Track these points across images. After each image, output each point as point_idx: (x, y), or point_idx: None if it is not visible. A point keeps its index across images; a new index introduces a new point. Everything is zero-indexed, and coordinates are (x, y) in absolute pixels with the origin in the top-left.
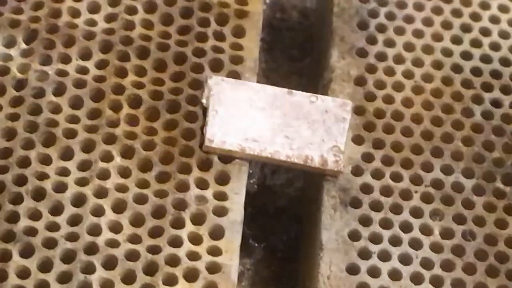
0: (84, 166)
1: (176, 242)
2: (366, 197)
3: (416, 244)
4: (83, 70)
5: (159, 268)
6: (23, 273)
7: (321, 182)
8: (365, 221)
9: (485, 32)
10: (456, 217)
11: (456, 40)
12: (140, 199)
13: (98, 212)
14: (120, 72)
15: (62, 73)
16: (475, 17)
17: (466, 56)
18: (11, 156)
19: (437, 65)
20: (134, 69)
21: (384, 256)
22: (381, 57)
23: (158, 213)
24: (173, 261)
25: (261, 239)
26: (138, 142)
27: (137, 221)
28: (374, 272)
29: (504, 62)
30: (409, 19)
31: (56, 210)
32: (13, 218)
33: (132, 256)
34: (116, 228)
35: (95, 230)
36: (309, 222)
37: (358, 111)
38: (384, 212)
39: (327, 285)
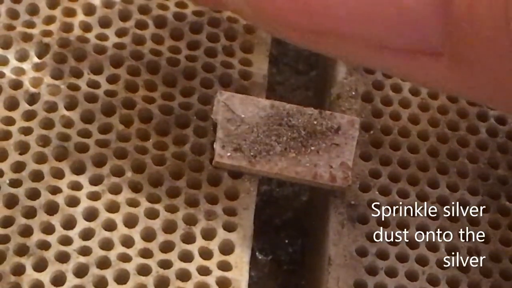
0: (96, 180)
1: (187, 257)
2: (373, 213)
3: (422, 261)
4: (95, 85)
5: (170, 282)
6: (36, 287)
7: (328, 198)
8: (372, 237)
9: None
10: (462, 233)
11: None
12: (151, 214)
13: (110, 226)
14: (131, 87)
15: (74, 87)
16: None
17: None
18: (24, 170)
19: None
20: (145, 84)
21: (391, 272)
22: None
23: (169, 228)
24: (184, 275)
25: (268, 252)
26: (149, 157)
27: (148, 235)
28: None
29: None
30: None
31: (69, 224)
32: (27, 232)
33: (144, 270)
34: (127, 242)
35: (107, 245)
36: (316, 237)
37: (366, 127)
38: (391, 229)
39: None
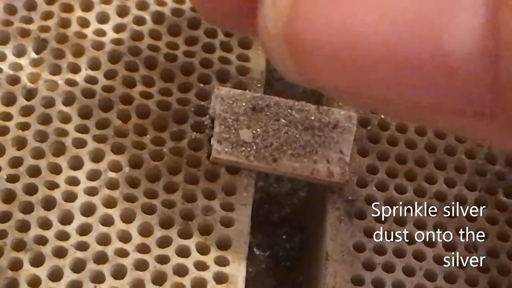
0: (93, 175)
1: (184, 252)
2: (371, 208)
3: (419, 256)
4: (92, 80)
5: (167, 278)
6: (34, 282)
7: (326, 194)
8: (370, 233)
9: None
10: (459, 229)
11: None
12: (149, 209)
13: (107, 221)
14: (129, 82)
15: (71, 83)
16: None
17: None
18: (22, 165)
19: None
20: (143, 79)
21: (388, 268)
22: None
23: (166, 223)
24: (181, 271)
25: (266, 248)
26: (146, 152)
27: (145, 231)
28: (378, 284)
29: None
30: None
31: (66, 219)
32: (24, 227)
33: (141, 265)
34: (125, 237)
35: (104, 240)
36: (313, 233)
37: (363, 123)
38: (389, 224)
39: None
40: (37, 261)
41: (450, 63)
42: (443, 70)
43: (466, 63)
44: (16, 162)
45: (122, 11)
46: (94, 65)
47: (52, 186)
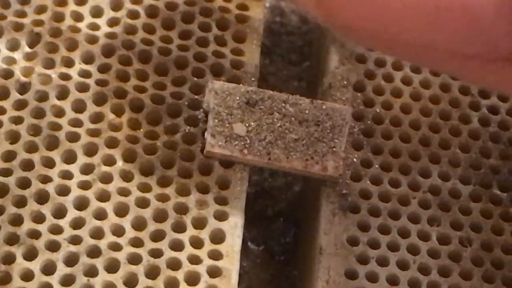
0: (87, 169)
1: (177, 246)
2: (365, 202)
3: (413, 250)
4: (86, 74)
5: (160, 271)
6: (27, 276)
7: (320, 187)
8: (364, 227)
9: None
10: (453, 223)
11: None
12: (142, 203)
13: (100, 215)
14: (123, 76)
15: (65, 77)
16: None
17: None
18: (15, 159)
19: (435, 72)
20: (136, 73)
21: (382, 261)
22: (380, 63)
23: (160, 217)
24: (174, 264)
25: (260, 242)
26: (140, 146)
27: (139, 224)
28: (372, 277)
29: None
30: None
31: (59, 213)
32: (17, 220)
33: (134, 259)
34: (118, 231)
35: (97, 234)
36: (308, 227)
37: (357, 116)
38: (383, 218)
39: None
40: (30, 255)
41: (474, 10)
42: (463, 14)
43: (488, 11)
44: (9, 156)
45: (116, 5)
46: (88, 59)
47: (45, 180)
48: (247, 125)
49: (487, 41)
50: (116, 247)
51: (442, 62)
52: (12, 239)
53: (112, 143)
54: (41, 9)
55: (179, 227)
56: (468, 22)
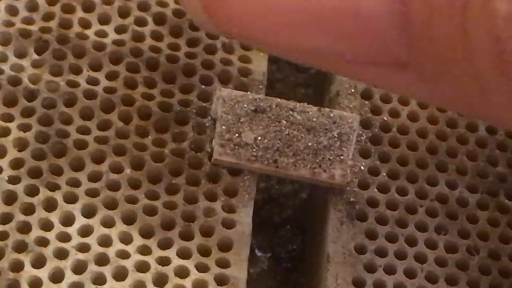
0: (94, 177)
1: (185, 254)
2: (372, 210)
3: (421, 258)
4: (94, 81)
5: (168, 279)
6: (35, 284)
7: (327, 195)
8: (371, 235)
9: None
10: (461, 231)
11: None
12: (150, 211)
13: (108, 223)
14: (130, 84)
15: (73, 84)
16: None
17: None
18: (23, 167)
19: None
20: (144, 80)
21: (390, 270)
22: None
23: (168, 225)
24: (182, 272)
25: (267, 250)
26: (147, 154)
27: (147, 232)
28: (379, 285)
29: None
30: None
31: (68, 221)
32: (25, 228)
33: (142, 267)
34: (126, 239)
35: (105, 241)
36: (315, 234)
37: (365, 124)
38: (390, 226)
39: None
40: (38, 263)
41: (362, 10)
42: (356, 17)
43: (378, 10)
44: (17, 164)
45: (124, 12)
46: (96, 66)
47: (54, 187)
48: (254, 133)
49: (381, 46)
50: (124, 255)
51: (337, 68)
52: (20, 247)
53: (120, 151)
54: (49, 16)
55: (187, 235)
56: (358, 26)
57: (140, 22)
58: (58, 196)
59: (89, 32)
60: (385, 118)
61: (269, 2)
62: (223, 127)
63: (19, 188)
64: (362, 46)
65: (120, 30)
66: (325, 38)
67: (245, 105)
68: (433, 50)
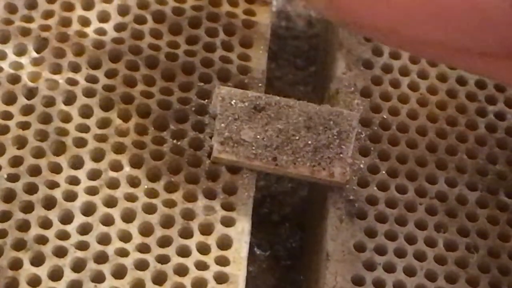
0: (94, 175)
1: (184, 252)
2: (372, 208)
3: (420, 256)
4: (93, 79)
5: (167, 277)
6: (34, 281)
7: (326, 193)
8: (371, 233)
9: None
10: (460, 229)
11: None
12: (149, 209)
13: (107, 221)
14: (130, 82)
15: (72, 82)
16: None
17: None
18: (22, 165)
19: (442, 78)
20: (143, 78)
21: (389, 268)
22: (387, 69)
23: (167, 222)
24: (181, 270)
25: (266, 247)
26: (147, 152)
27: (146, 230)
28: (379, 284)
29: None
30: None
31: (67, 218)
32: (24, 226)
33: (141, 265)
34: (125, 237)
35: (104, 239)
36: (314, 232)
37: (364, 122)
38: (390, 224)
39: None
40: (37, 261)
41: (486, 9)
42: (476, 12)
43: (500, 10)
44: (16, 161)
45: (123, 10)
46: (95, 64)
47: (53, 185)
48: (254, 130)
49: (500, 40)
50: (123, 253)
51: (454, 58)
52: (20, 245)
53: (119, 149)
54: (48, 14)
55: (186, 233)
56: (480, 21)
57: (140, 20)
58: (57, 194)
59: (89, 30)
60: (385, 116)
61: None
62: (222, 125)
63: (18, 186)
64: (482, 38)
65: (119, 28)
66: (444, 32)
67: (244, 103)
68: None
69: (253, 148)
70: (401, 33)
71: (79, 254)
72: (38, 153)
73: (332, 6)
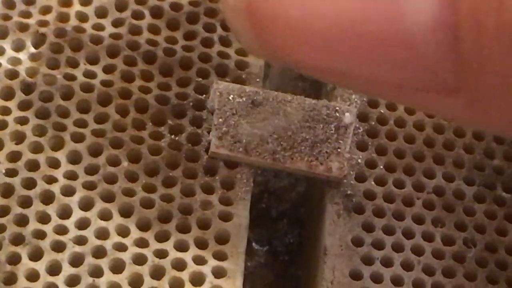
0: (92, 170)
1: (182, 247)
2: (369, 203)
3: (418, 251)
4: (91, 75)
5: (166, 272)
6: (32, 276)
7: (324, 188)
8: (368, 227)
9: None
10: (458, 224)
11: None
12: (147, 204)
13: (105, 216)
14: (127, 77)
15: (70, 77)
16: None
17: None
18: (20, 160)
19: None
20: (141, 74)
21: (387, 262)
22: None
23: (165, 217)
24: (179, 265)
25: (264, 243)
26: (145, 147)
27: (144, 225)
28: (377, 278)
29: None
30: None
31: (65, 213)
32: (22, 221)
33: (140, 260)
34: (123, 232)
35: (103, 234)
36: (312, 227)
37: (362, 117)
38: (387, 219)
39: None
40: (36, 255)
41: (410, 37)
42: (405, 44)
43: (427, 36)
44: (14, 156)
45: (121, 6)
46: (93, 59)
47: (51, 180)
48: (251, 126)
49: (432, 74)
50: (121, 248)
51: (385, 94)
52: (18, 240)
53: (117, 144)
54: (46, 10)
55: (184, 228)
56: (410, 55)
57: (137, 15)
58: (55, 189)
59: (86, 26)
60: (382, 111)
61: (317, 26)
62: (220, 120)
63: (16, 181)
64: (414, 74)
65: (117, 23)
66: (370, 65)
67: (242, 98)
68: (484, 73)
69: (251, 143)
70: (324, 68)
71: (77, 248)
72: (36, 148)
73: (262, 46)
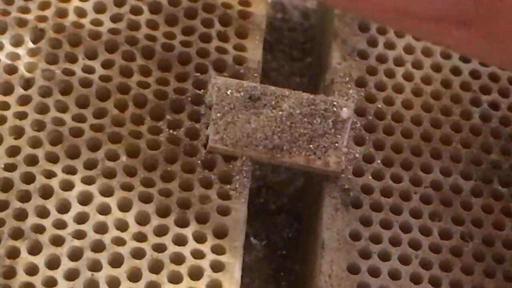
0: (90, 164)
1: (180, 241)
2: (367, 197)
3: (415, 245)
4: (90, 70)
5: (164, 266)
6: (31, 270)
7: (322, 183)
8: (366, 222)
9: None
10: (455, 218)
11: None
12: (146, 198)
13: (104, 210)
14: (126, 72)
15: (69, 72)
16: None
17: (465, 59)
18: (19, 154)
19: (437, 68)
20: (140, 69)
21: (385, 256)
22: (382, 59)
23: (163, 212)
24: (178, 259)
25: (262, 237)
26: (143, 142)
27: (142, 219)
28: (374, 272)
29: None
30: None
31: (64, 208)
32: (21, 215)
33: (138, 254)
34: (122, 226)
35: (101, 228)
36: (310, 221)
37: (359, 112)
38: (385, 213)
39: (328, 284)
40: (35, 250)
41: None
42: None
43: None
44: (13, 151)
45: (119, 1)
46: (91, 54)
47: (50, 175)
48: (249, 120)
49: (451, 2)
50: (120, 242)
51: (405, 24)
52: (17, 234)
53: (115, 138)
54: (44, 5)
55: (182, 222)
56: None
57: (136, 11)
58: (54, 183)
59: (85, 21)
60: (380, 106)
61: None
62: (218, 114)
63: (15, 176)
64: (434, 2)
65: (115, 19)
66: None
67: (240, 93)
68: (502, 6)
69: (249, 137)
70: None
71: (76, 243)
72: (35, 143)
73: None
